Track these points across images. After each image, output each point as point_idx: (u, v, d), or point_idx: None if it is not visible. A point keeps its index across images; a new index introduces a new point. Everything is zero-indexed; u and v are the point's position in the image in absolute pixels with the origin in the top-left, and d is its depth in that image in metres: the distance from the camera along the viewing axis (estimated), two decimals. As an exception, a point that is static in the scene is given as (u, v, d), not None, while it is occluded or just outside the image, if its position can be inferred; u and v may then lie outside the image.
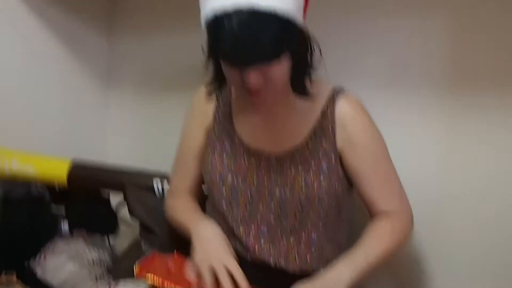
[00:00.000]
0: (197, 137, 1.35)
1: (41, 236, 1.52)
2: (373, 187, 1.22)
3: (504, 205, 1.33)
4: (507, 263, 1.33)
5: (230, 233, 1.26)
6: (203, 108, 1.34)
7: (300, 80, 1.16)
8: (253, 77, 1.06)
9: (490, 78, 1.33)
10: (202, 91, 1.34)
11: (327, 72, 1.22)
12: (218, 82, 1.22)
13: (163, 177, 1.63)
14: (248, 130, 1.27)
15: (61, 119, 1.92)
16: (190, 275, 1.15)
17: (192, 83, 1.39)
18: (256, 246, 1.22)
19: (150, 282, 1.12)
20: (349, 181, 1.25)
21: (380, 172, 1.23)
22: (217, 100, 1.32)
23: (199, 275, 1.14)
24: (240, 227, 1.24)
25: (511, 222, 1.33)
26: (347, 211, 1.30)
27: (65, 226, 1.61)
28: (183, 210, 1.33)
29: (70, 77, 1.96)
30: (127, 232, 1.75)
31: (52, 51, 1.88)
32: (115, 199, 1.77)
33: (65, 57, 1.93)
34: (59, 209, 1.71)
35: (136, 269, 1.14)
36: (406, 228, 1.25)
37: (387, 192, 1.23)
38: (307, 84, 1.17)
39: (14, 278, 1.35)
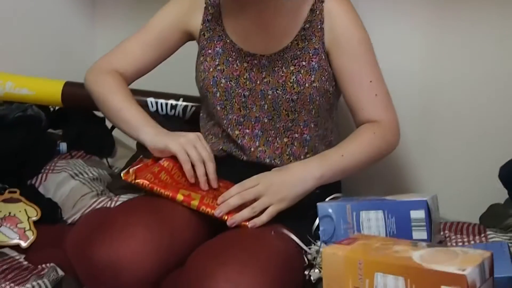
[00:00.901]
0: (168, 29, 1.33)
1: (40, 156, 1.56)
2: (358, 92, 1.23)
3: (486, 95, 1.40)
4: (489, 153, 1.40)
5: (226, 136, 1.29)
6: (189, 11, 1.33)
7: None
8: None
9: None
10: None
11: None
12: None
13: (157, 95, 1.65)
14: (239, 32, 1.28)
15: (50, 43, 1.92)
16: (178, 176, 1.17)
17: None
18: (251, 148, 1.26)
19: (139, 185, 1.12)
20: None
21: (365, 77, 1.23)
22: (205, 6, 1.32)
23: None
24: (235, 130, 1.27)
25: (492, 113, 1.39)
26: (336, 113, 1.33)
27: (63, 147, 1.64)
28: (125, 101, 1.26)
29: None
30: (124, 152, 1.79)
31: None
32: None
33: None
34: (57, 133, 1.75)
35: (123, 175, 1.14)
36: (390, 137, 1.24)
37: (372, 99, 1.23)
38: None
39: (18, 194, 1.39)
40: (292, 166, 1.17)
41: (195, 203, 1.11)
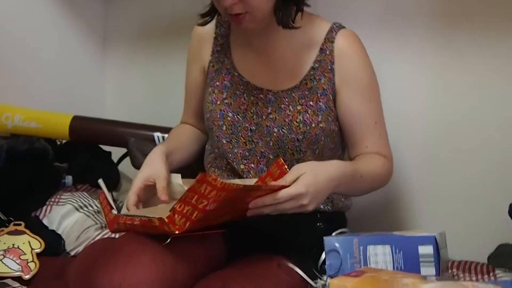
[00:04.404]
0: (194, 75, 1.39)
1: (46, 189, 1.56)
2: (363, 131, 1.25)
3: (494, 132, 1.40)
4: (498, 191, 1.40)
5: (230, 170, 1.29)
6: (199, 47, 1.37)
7: (283, 11, 1.16)
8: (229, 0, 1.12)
9: (483, 16, 1.38)
10: (196, 30, 1.38)
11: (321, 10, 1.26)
12: (211, 11, 1.26)
13: (163, 130, 1.66)
14: (247, 67, 1.30)
15: (59, 78, 1.94)
16: None
17: (187, 36, 1.41)
18: None
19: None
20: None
21: (371, 118, 1.25)
22: (215, 36, 1.34)
23: None
24: (241, 164, 1.27)
25: (501, 150, 1.40)
26: (343, 152, 1.34)
27: (68, 180, 1.64)
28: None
29: (66, 35, 1.98)
30: (129, 187, 1.78)
31: (48, 11, 1.91)
32: (116, 155, 1.81)
33: (60, 15, 1.95)
34: (63, 166, 1.75)
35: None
36: (391, 171, 1.28)
37: (376, 138, 1.26)
38: (292, 15, 1.18)
39: (23, 227, 1.38)
40: (334, 179, 1.10)
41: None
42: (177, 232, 0.98)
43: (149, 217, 1.03)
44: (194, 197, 0.95)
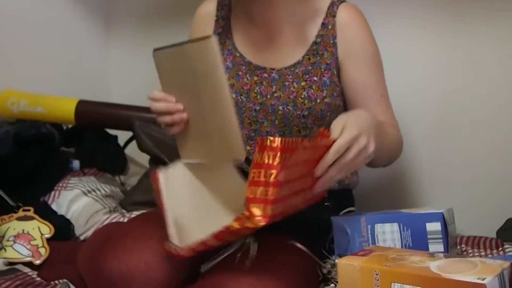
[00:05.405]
0: None
1: (53, 174, 1.56)
2: (369, 104, 1.23)
3: (500, 107, 1.40)
4: (505, 166, 1.39)
5: None
6: (200, 30, 1.35)
7: None
8: None
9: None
10: (198, 12, 1.36)
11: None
12: None
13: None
14: (249, 46, 1.29)
15: (64, 63, 1.94)
16: None
17: (191, 16, 1.40)
18: None
19: None
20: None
21: (377, 91, 1.25)
22: (216, 19, 1.33)
23: None
24: (247, 145, 1.26)
25: (508, 125, 1.39)
26: None
27: (76, 165, 1.65)
28: None
29: (69, 19, 1.98)
30: (136, 170, 1.79)
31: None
32: (122, 139, 1.81)
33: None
34: (70, 151, 1.76)
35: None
36: (401, 138, 1.25)
37: (383, 111, 1.25)
38: None
39: (32, 212, 1.39)
40: (370, 118, 1.05)
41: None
42: (263, 223, 0.84)
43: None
44: (261, 172, 0.85)
